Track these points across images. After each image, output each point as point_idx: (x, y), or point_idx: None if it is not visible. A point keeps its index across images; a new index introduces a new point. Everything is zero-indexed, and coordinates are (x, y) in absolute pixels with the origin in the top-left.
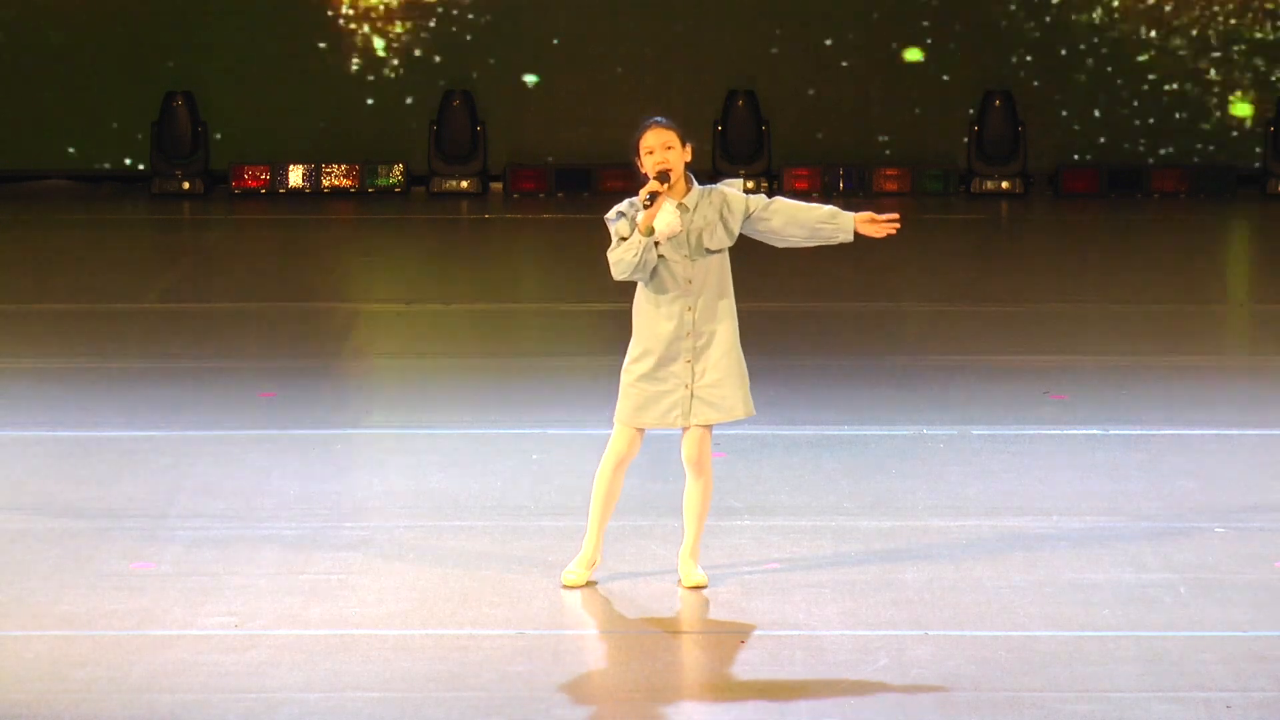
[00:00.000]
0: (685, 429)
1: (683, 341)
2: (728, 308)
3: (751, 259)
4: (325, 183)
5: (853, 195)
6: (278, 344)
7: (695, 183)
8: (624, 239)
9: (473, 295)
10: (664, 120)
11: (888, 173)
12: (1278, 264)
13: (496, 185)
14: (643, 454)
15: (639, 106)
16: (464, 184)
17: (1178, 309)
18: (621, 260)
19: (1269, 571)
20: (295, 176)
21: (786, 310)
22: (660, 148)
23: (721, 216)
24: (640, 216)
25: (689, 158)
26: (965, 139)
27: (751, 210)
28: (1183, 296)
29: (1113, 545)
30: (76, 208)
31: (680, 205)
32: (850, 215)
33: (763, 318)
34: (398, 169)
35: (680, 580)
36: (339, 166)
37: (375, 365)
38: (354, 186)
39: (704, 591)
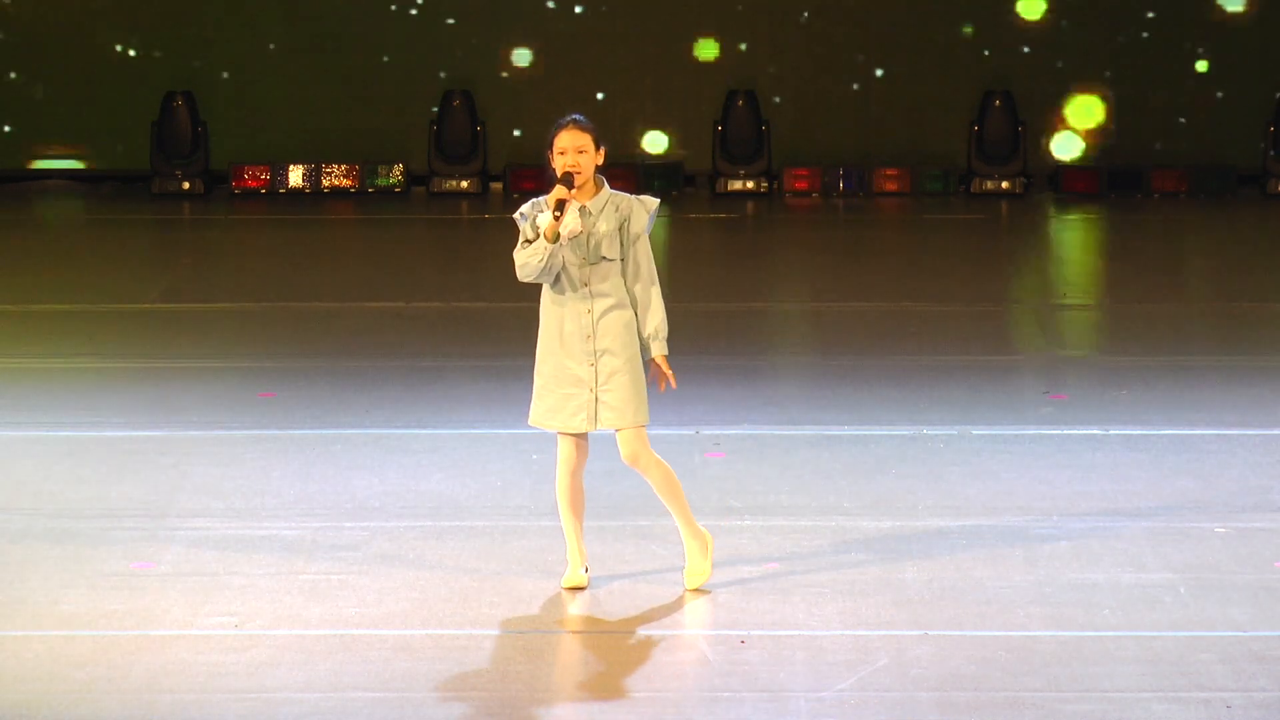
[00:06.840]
0: (618, 434)
1: (583, 344)
2: (627, 312)
3: (749, 259)
4: (325, 183)
5: (853, 195)
6: (278, 344)
7: (606, 186)
8: (529, 241)
9: (472, 295)
10: (581, 120)
11: (888, 173)
12: (1278, 264)
13: (496, 185)
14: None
15: (640, 106)
16: (464, 184)
17: (1177, 309)
18: (527, 264)
19: (1269, 571)
20: (295, 176)
21: (786, 310)
22: (573, 150)
23: (621, 227)
24: (541, 219)
25: (600, 160)
26: (965, 139)
27: (635, 237)
28: (1182, 296)
29: (1113, 545)
30: (76, 208)
31: (583, 208)
32: (663, 343)
33: (762, 317)
34: (398, 169)
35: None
36: (339, 166)
37: (375, 365)
38: (354, 186)
39: (704, 591)
